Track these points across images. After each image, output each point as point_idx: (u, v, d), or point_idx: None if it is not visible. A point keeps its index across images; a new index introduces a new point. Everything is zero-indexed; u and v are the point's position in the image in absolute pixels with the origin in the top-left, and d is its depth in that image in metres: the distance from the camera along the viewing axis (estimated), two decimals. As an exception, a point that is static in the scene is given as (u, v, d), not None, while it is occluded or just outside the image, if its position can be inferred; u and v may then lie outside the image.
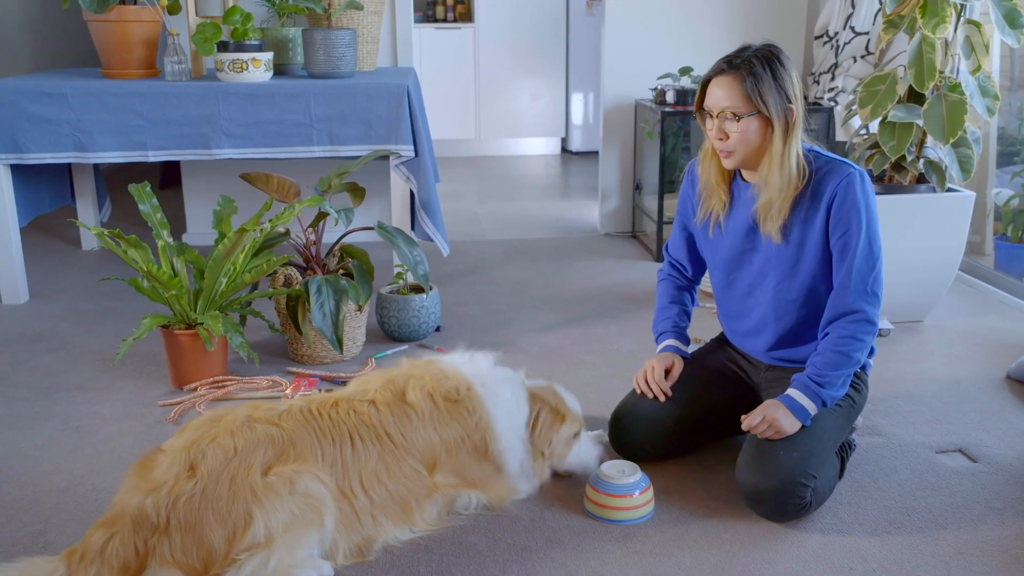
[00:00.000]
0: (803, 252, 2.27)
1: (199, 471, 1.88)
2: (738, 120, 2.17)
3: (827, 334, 2.25)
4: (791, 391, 2.23)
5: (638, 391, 2.49)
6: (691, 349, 2.60)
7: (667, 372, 2.49)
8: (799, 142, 2.22)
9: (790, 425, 2.18)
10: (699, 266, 2.59)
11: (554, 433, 2.33)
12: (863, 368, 2.37)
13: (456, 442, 2.20)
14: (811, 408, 2.20)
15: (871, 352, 2.37)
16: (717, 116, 2.20)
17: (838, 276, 2.23)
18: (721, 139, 2.21)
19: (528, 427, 2.31)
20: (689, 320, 2.62)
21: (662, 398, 2.44)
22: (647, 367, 2.50)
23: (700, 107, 2.26)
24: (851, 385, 2.32)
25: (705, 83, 2.24)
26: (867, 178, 2.23)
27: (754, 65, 2.16)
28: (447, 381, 2.25)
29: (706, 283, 3.86)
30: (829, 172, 2.22)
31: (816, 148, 2.29)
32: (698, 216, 2.45)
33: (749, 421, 2.21)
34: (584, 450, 2.40)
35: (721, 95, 2.19)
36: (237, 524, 1.85)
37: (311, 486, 1.94)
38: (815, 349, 2.31)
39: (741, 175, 2.35)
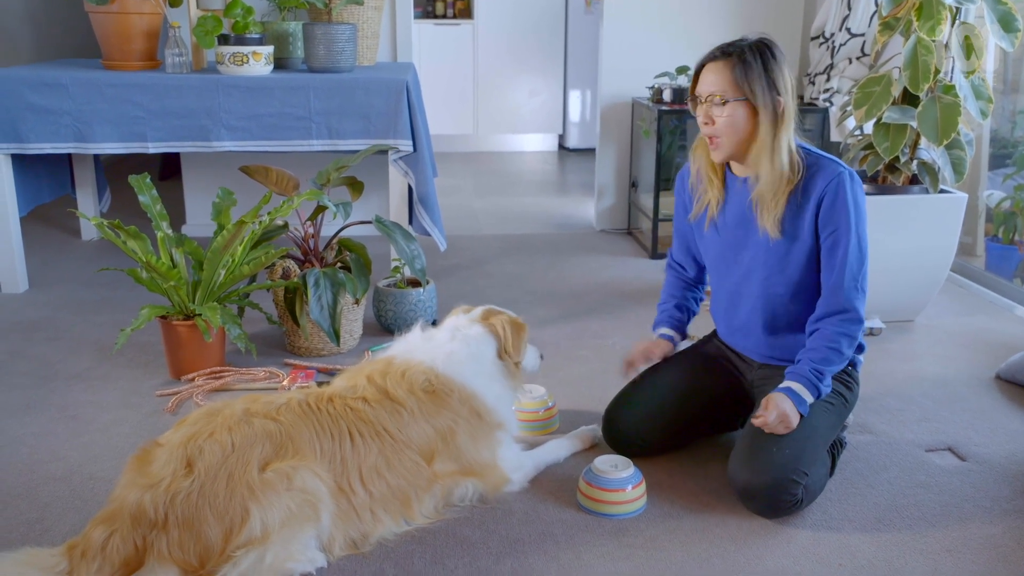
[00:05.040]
0: (792, 247, 2.30)
1: (196, 468, 1.89)
2: (724, 104, 2.20)
3: (817, 330, 2.28)
4: (792, 384, 2.26)
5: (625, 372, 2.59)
6: (685, 345, 2.64)
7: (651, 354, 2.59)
8: (791, 136, 2.24)
9: (796, 419, 2.22)
10: (702, 268, 2.62)
11: (524, 336, 2.46)
12: (854, 366, 2.41)
13: (450, 426, 2.22)
14: (811, 401, 2.25)
15: (861, 349, 2.40)
16: (706, 100, 2.23)
17: (829, 274, 2.26)
18: (707, 124, 2.24)
19: (503, 353, 2.39)
20: (686, 314, 2.65)
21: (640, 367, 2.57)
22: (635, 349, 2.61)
23: (693, 93, 2.29)
24: (843, 383, 2.36)
25: (698, 69, 2.27)
26: (857, 178, 2.26)
27: (745, 54, 2.20)
28: (418, 375, 2.23)
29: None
30: (819, 170, 2.25)
31: (807, 145, 2.32)
32: (693, 211, 2.47)
33: (765, 418, 2.20)
34: (531, 357, 2.54)
35: (711, 80, 2.22)
36: (234, 520, 1.86)
37: (308, 482, 1.95)
38: (804, 344, 2.35)
39: (731, 168, 2.37)
